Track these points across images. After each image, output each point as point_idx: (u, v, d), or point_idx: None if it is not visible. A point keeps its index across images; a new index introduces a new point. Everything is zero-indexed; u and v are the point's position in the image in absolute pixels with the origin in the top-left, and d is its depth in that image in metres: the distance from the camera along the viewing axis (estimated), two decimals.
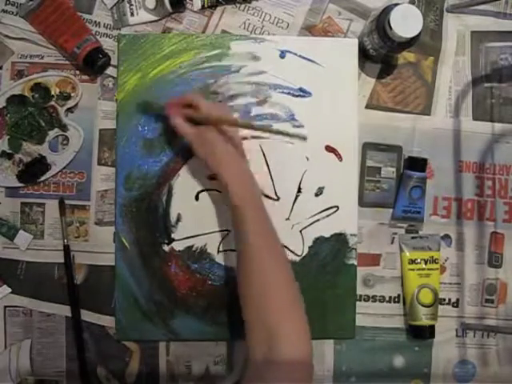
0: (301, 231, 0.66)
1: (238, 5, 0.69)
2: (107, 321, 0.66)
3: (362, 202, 0.68)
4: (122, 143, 0.66)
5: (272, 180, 0.66)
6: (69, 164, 0.67)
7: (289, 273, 0.54)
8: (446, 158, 0.69)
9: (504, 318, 0.69)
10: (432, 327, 0.67)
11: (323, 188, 0.67)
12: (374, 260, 0.69)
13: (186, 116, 0.59)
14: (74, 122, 0.67)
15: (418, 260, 0.68)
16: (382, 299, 0.69)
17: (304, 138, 0.57)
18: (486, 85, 0.70)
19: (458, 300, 0.69)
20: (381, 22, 0.61)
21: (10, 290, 0.66)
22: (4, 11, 0.67)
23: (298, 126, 0.67)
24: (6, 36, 0.66)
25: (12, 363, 0.65)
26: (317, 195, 0.67)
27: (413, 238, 0.68)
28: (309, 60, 0.67)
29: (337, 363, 0.68)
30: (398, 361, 0.68)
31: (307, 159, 0.67)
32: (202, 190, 0.66)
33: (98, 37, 0.67)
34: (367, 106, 0.69)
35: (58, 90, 0.67)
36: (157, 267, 0.66)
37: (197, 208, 0.66)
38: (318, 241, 0.66)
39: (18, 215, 0.67)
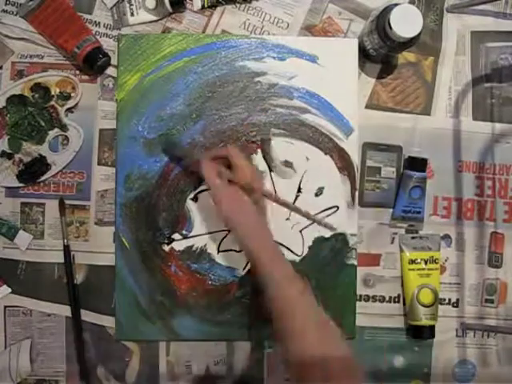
0: (301, 231, 0.66)
1: (237, 5, 0.69)
2: (107, 321, 0.66)
3: (362, 202, 0.68)
4: (122, 143, 0.66)
5: (272, 180, 0.66)
6: (69, 164, 0.67)
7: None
8: (446, 158, 0.69)
9: (504, 318, 0.69)
10: (432, 327, 0.67)
11: (323, 188, 0.67)
12: (373, 260, 0.69)
13: (219, 173, 0.57)
14: (74, 122, 0.67)
15: (418, 260, 0.68)
16: (382, 299, 0.69)
17: (333, 229, 0.54)
18: (486, 85, 0.70)
19: (457, 300, 0.69)
20: (381, 22, 0.61)
21: (9, 289, 0.66)
22: (4, 11, 0.67)
23: (297, 126, 0.67)
24: (6, 36, 0.67)
25: (12, 363, 0.65)
26: (317, 195, 0.67)
27: (413, 238, 0.68)
28: (309, 60, 0.67)
29: None
30: (398, 361, 0.68)
31: (307, 159, 0.67)
32: (202, 191, 0.66)
33: (98, 37, 0.67)
34: (367, 106, 0.69)
35: (58, 90, 0.67)
36: (157, 267, 0.66)
37: (196, 208, 0.66)
38: (318, 241, 0.66)
39: (18, 215, 0.67)
